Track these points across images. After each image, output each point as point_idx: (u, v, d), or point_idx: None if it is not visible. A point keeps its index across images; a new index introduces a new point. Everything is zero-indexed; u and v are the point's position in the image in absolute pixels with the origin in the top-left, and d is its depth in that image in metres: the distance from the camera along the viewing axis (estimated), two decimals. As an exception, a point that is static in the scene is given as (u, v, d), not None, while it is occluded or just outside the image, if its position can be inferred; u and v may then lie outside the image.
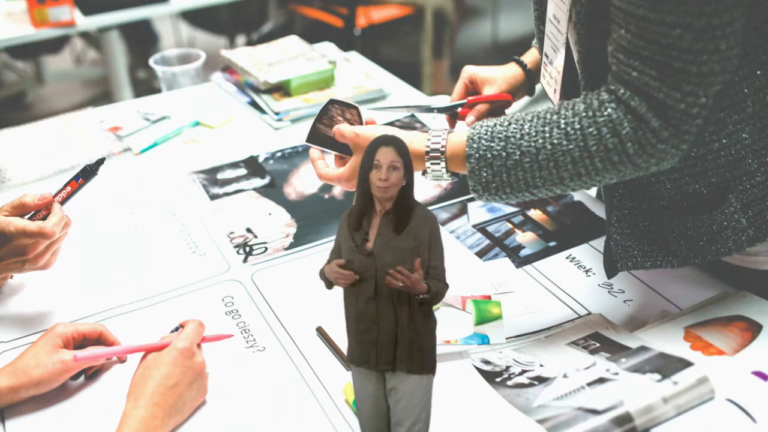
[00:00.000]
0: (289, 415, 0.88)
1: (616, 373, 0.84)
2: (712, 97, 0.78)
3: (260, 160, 1.48)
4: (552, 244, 1.20)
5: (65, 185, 1.05)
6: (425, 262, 0.75)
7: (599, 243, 1.17)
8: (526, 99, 1.25)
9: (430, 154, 0.92)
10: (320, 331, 1.01)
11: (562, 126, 0.84)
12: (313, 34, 2.89)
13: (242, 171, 1.44)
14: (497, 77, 1.20)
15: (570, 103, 0.86)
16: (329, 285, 0.80)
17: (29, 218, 1.01)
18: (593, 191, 1.31)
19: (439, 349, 0.96)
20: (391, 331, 0.75)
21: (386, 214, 0.76)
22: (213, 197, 1.36)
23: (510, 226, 1.25)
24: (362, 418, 0.80)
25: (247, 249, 1.20)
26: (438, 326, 1.02)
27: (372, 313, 0.76)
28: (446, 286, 0.78)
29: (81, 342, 0.93)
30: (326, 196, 1.35)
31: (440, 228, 0.78)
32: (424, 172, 0.95)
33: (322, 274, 0.80)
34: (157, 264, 1.17)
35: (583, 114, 0.83)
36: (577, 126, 0.83)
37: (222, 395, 0.91)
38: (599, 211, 1.26)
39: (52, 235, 0.98)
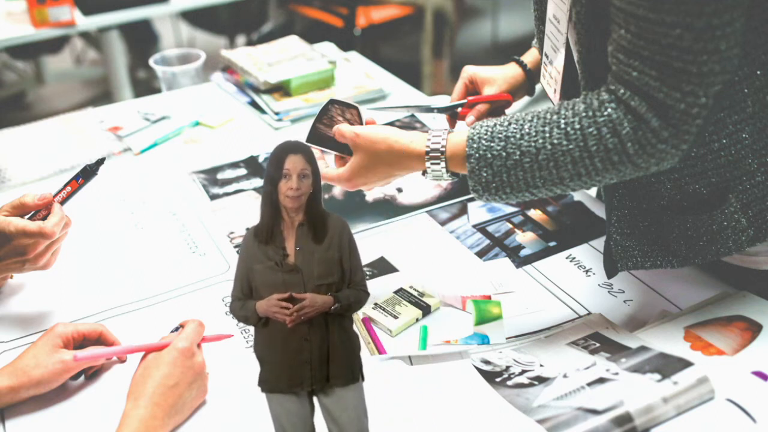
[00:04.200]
0: (289, 415, 0.88)
1: (616, 373, 0.84)
2: (712, 97, 0.78)
3: (260, 160, 1.48)
4: (552, 244, 1.20)
5: (65, 185, 1.05)
6: (347, 273, 0.73)
7: (599, 243, 1.17)
8: (526, 99, 1.25)
9: (430, 154, 0.92)
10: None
11: (562, 126, 0.84)
12: (313, 34, 2.89)
13: (242, 171, 1.44)
14: (497, 77, 1.20)
15: (570, 103, 0.86)
16: (257, 322, 0.73)
17: (29, 218, 1.01)
18: (593, 191, 1.31)
19: (439, 349, 0.97)
20: (323, 347, 0.72)
21: (301, 225, 0.73)
22: (213, 197, 1.36)
23: (510, 226, 1.25)
24: None
25: (247, 249, 1.20)
26: (438, 326, 1.02)
27: (303, 331, 0.71)
28: (366, 294, 0.75)
29: (81, 342, 0.93)
30: (326, 196, 1.35)
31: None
32: (424, 172, 0.95)
33: (250, 312, 0.73)
34: (157, 264, 1.17)
35: (583, 114, 0.83)
36: (577, 126, 0.83)
37: (222, 395, 0.91)
38: (599, 211, 1.26)
39: (52, 235, 0.98)
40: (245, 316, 0.74)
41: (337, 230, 0.73)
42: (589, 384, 0.83)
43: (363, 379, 0.74)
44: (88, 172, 1.06)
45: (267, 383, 0.74)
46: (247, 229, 1.24)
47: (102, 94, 3.96)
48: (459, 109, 1.19)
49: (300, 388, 0.73)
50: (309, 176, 0.72)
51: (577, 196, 1.31)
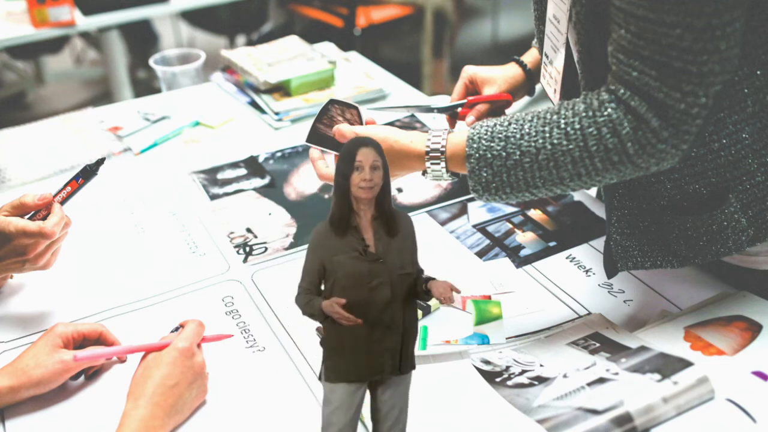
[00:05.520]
0: (289, 415, 0.88)
1: (616, 373, 0.84)
2: (712, 97, 0.78)
3: (260, 160, 1.48)
4: (552, 244, 1.20)
5: (65, 185, 1.06)
6: (415, 264, 0.74)
7: (599, 243, 1.17)
8: (526, 99, 1.25)
9: (430, 154, 0.92)
10: (320, 331, 1.01)
11: (562, 126, 0.84)
12: (313, 34, 2.89)
13: (242, 171, 1.44)
14: (497, 77, 1.20)
15: (570, 103, 0.86)
16: (324, 320, 0.73)
17: (29, 218, 1.01)
18: (593, 191, 1.31)
19: (439, 349, 0.97)
20: (400, 334, 0.73)
21: (375, 219, 0.73)
22: (213, 197, 1.36)
23: (510, 226, 1.25)
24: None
25: (247, 249, 1.20)
26: (438, 326, 1.02)
27: (388, 319, 0.72)
28: None
29: (81, 342, 0.93)
30: (326, 196, 1.35)
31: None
32: (424, 172, 0.95)
33: (316, 311, 0.73)
34: (157, 264, 1.17)
35: (583, 114, 0.83)
36: (577, 126, 0.83)
37: (222, 395, 0.91)
38: (599, 211, 1.26)
39: (52, 235, 0.98)
40: (311, 314, 0.75)
41: (408, 224, 0.75)
42: (589, 384, 0.83)
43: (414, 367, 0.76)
44: (88, 172, 1.06)
45: (339, 373, 0.73)
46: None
47: (102, 94, 3.96)
48: (459, 109, 1.19)
49: (380, 376, 0.73)
50: (380, 168, 0.72)
51: (577, 196, 1.31)
